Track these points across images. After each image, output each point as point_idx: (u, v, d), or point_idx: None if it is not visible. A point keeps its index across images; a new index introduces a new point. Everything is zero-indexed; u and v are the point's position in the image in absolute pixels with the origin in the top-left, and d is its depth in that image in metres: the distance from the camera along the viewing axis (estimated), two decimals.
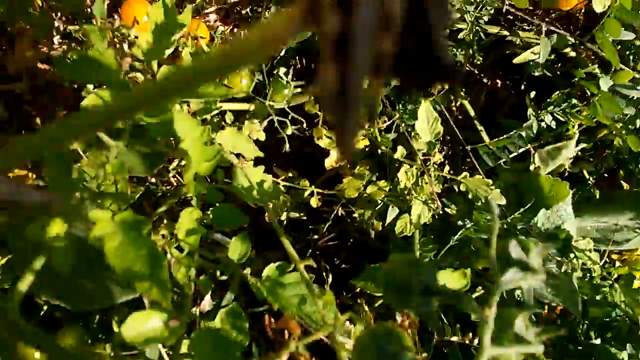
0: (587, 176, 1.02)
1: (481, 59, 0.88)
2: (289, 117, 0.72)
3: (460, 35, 0.81)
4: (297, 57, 1.11)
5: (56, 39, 0.83)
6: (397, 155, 0.76)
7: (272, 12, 0.87)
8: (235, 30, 1.07)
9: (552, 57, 0.95)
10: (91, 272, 0.58)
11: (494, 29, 1.01)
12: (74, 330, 0.67)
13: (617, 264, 1.16)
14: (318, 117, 0.77)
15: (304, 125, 0.79)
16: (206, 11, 0.99)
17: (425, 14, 0.15)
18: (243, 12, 1.04)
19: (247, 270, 0.61)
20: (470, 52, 0.99)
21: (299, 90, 0.78)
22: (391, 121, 0.78)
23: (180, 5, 0.87)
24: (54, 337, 0.65)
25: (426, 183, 0.75)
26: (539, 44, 1.04)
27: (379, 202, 0.91)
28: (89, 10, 0.73)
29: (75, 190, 0.44)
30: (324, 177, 1.02)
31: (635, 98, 0.78)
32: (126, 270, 0.40)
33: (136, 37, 0.56)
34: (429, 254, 0.94)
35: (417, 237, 0.90)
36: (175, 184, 0.92)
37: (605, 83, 0.75)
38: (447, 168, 0.76)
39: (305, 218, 1.01)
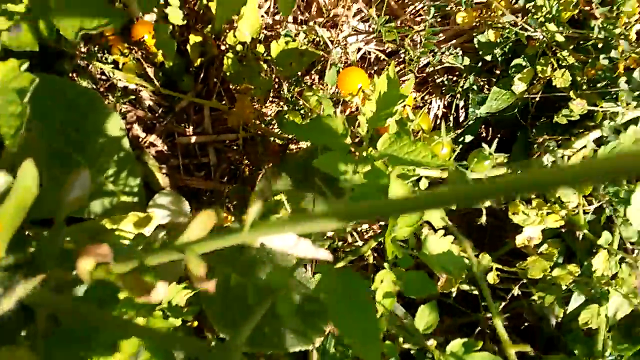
0: None
1: None
2: None
3: None
4: (492, 128, 1.11)
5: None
6: (601, 242, 0.71)
7: None
8: (427, 97, 1.10)
9: None
10: (270, 318, 0.62)
11: None
12: None
13: None
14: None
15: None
16: (403, 78, 1.05)
17: None
18: (438, 80, 1.08)
19: (432, 342, 0.61)
20: None
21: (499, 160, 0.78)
22: (599, 203, 0.74)
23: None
24: None
25: (630, 275, 0.69)
26: None
27: (564, 287, 0.85)
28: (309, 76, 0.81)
29: None
30: (504, 250, 0.99)
31: None
32: (343, 326, 0.43)
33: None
34: (616, 353, 0.86)
35: (603, 331, 0.83)
36: (350, 240, 0.95)
37: None
38: None
39: (477, 293, 0.97)
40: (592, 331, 0.86)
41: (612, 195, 0.71)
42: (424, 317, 0.62)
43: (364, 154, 0.57)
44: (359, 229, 0.95)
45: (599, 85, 0.84)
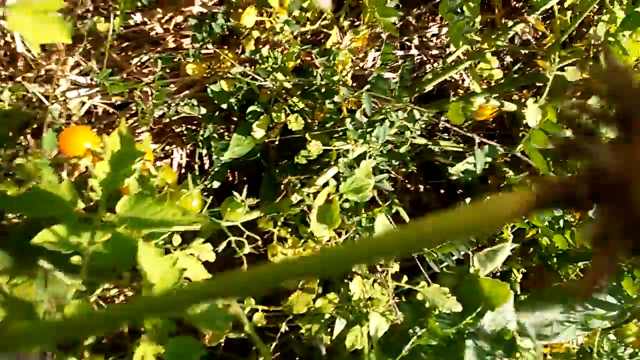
0: (517, 275, 1.07)
1: (414, 168, 0.93)
2: (244, 236, 0.70)
3: (402, 150, 0.86)
4: (237, 172, 1.11)
5: None
6: (354, 267, 0.76)
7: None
8: (167, 148, 1.06)
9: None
10: None
11: (422, 140, 1.08)
12: None
13: (548, 356, 1.20)
14: (271, 234, 0.76)
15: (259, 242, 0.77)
16: (138, 131, 0.98)
17: None
18: (177, 130, 1.04)
19: None
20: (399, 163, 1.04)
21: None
22: (347, 234, 0.79)
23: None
24: None
25: (383, 294, 0.75)
26: (459, 151, 1.13)
27: (327, 315, 0.89)
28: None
29: None
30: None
31: None
32: None
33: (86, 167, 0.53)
34: None
35: (367, 349, 0.88)
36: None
37: None
38: (405, 278, 0.77)
39: (245, 337, 0.95)
40: (359, 351, 0.91)
41: (356, 224, 0.76)
42: None
43: (102, 220, 0.50)
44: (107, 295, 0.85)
45: (327, 125, 0.91)
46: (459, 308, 0.75)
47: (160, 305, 0.23)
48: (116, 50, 1.00)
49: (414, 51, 1.34)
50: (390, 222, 0.79)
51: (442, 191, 1.37)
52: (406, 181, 1.34)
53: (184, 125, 1.05)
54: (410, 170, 1.01)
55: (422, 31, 1.38)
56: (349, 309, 0.84)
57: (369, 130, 0.85)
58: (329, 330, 0.94)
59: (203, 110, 1.02)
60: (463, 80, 1.41)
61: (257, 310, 0.86)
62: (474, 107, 0.90)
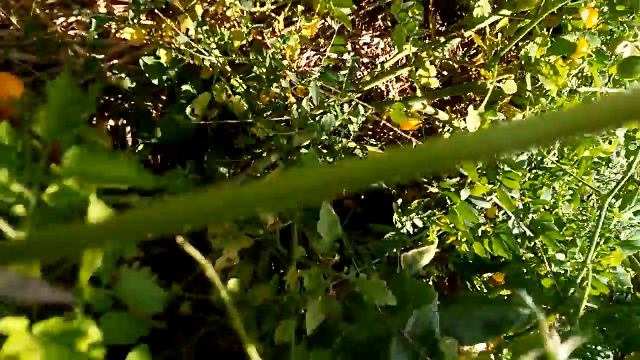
0: (434, 279, 1.10)
1: None
2: None
3: (337, 148, 0.85)
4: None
5: None
6: (296, 256, 0.73)
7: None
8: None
9: None
10: None
11: (352, 144, 1.09)
12: None
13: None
14: None
15: None
16: None
17: None
18: (100, 101, 0.95)
19: None
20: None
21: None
22: (291, 221, 0.76)
23: None
24: None
25: (320, 286, 0.73)
26: None
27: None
28: None
29: None
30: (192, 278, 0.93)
31: (482, 209, 0.90)
32: None
33: None
34: None
35: (293, 344, 0.85)
36: None
37: (465, 194, 0.85)
38: (345, 269, 0.75)
39: (167, 329, 0.88)
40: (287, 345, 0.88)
41: (302, 212, 0.74)
42: None
43: (49, 171, 0.43)
44: None
45: (273, 112, 0.88)
46: (394, 303, 0.75)
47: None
48: (40, 6, 0.90)
49: (346, 56, 1.36)
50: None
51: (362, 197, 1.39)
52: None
53: (108, 96, 0.97)
54: None
55: (356, 38, 1.40)
56: (282, 301, 0.81)
57: (316, 119, 0.84)
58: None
59: (132, 85, 0.95)
60: (389, 91, 1.45)
61: (184, 298, 0.80)
62: (412, 110, 0.92)
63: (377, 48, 1.44)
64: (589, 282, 1.03)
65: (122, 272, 0.58)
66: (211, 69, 0.88)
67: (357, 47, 1.41)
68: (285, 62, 0.85)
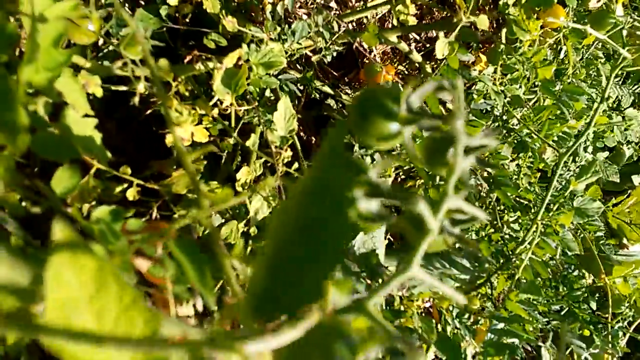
0: None
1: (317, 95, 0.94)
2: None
3: (314, 59, 0.86)
4: None
5: None
6: (249, 143, 0.73)
7: None
8: None
9: None
10: None
11: (326, 89, 1.10)
12: None
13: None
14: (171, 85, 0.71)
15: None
16: None
17: None
18: None
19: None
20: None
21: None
22: (249, 106, 0.76)
23: None
24: None
25: (271, 176, 0.73)
26: None
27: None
28: None
29: None
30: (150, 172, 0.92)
31: None
32: None
33: None
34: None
35: (240, 245, 0.85)
36: None
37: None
38: (296, 165, 0.75)
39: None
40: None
41: (259, 101, 0.74)
42: (62, 181, 0.50)
43: None
44: None
45: (246, 12, 0.88)
46: None
47: None
48: None
49: (333, 4, 1.37)
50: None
51: None
52: (301, 127, 1.34)
53: None
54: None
55: None
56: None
57: (286, 24, 0.85)
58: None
59: None
60: (371, 51, 1.47)
61: (131, 184, 0.79)
62: (391, 38, 0.93)
63: None
64: (536, 236, 1.05)
65: (67, 113, 0.57)
66: None
67: None
68: None
